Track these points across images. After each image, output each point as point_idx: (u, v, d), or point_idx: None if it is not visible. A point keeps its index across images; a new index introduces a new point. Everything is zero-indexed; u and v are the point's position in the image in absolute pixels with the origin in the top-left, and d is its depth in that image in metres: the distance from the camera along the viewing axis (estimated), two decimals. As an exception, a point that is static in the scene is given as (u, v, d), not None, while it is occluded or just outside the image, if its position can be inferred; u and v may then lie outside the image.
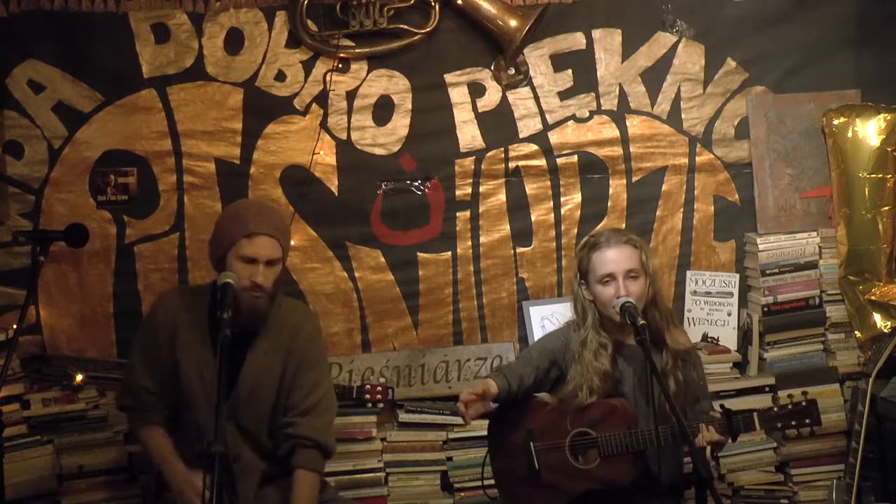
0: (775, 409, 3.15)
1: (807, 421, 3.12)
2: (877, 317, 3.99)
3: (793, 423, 3.13)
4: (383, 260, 4.09)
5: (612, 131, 4.16)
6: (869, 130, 4.00)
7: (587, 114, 4.15)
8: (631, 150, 4.16)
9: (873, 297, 3.99)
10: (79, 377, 3.78)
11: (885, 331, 3.95)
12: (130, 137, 3.94)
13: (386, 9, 3.94)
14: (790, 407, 3.14)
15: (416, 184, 4.10)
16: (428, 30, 4.00)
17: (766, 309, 4.07)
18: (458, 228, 4.13)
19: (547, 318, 4.07)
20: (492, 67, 4.09)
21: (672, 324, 3.22)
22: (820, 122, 4.12)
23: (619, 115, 4.16)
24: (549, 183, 4.16)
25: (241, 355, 3.10)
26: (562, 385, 3.24)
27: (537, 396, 3.34)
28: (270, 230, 3.09)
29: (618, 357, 3.20)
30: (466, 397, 3.09)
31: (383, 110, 4.06)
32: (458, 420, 3.86)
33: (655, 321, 3.14)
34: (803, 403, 3.14)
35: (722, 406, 3.16)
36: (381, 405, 3.87)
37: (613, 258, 3.13)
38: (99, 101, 3.92)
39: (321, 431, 3.13)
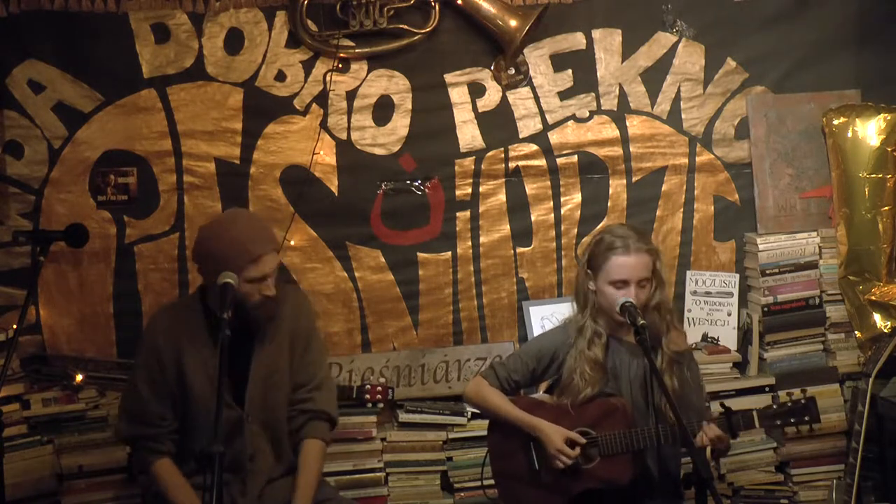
0: (774, 406, 3.16)
1: (806, 418, 3.13)
2: (877, 317, 3.99)
3: (792, 420, 3.13)
4: (383, 260, 4.09)
5: (612, 131, 4.16)
6: (869, 130, 4.00)
7: (587, 114, 4.15)
8: (631, 150, 4.16)
9: (873, 297, 3.99)
10: (79, 377, 3.78)
11: (885, 331, 3.95)
12: (130, 137, 3.95)
13: (386, 9, 3.94)
14: (789, 404, 3.15)
15: (416, 184, 4.10)
16: (428, 30, 4.00)
17: (766, 309, 4.07)
18: (458, 228, 4.13)
19: (547, 318, 4.07)
20: (492, 67, 4.09)
21: (672, 326, 3.23)
22: (820, 122, 4.12)
23: (619, 115, 4.16)
24: (549, 183, 4.16)
25: (249, 348, 3.11)
26: (559, 380, 3.25)
27: (537, 396, 3.35)
28: (271, 247, 3.09)
29: (613, 352, 3.21)
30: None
31: (383, 110, 4.06)
32: (458, 420, 3.89)
33: (655, 324, 3.14)
34: (802, 401, 3.15)
35: (722, 405, 3.16)
36: (381, 405, 3.87)
37: (632, 266, 3.12)
38: (99, 101, 3.92)
39: (333, 404, 3.25)
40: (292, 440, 3.20)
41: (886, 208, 4.00)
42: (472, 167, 4.11)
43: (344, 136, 4.06)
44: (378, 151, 4.07)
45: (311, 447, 3.16)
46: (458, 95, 4.09)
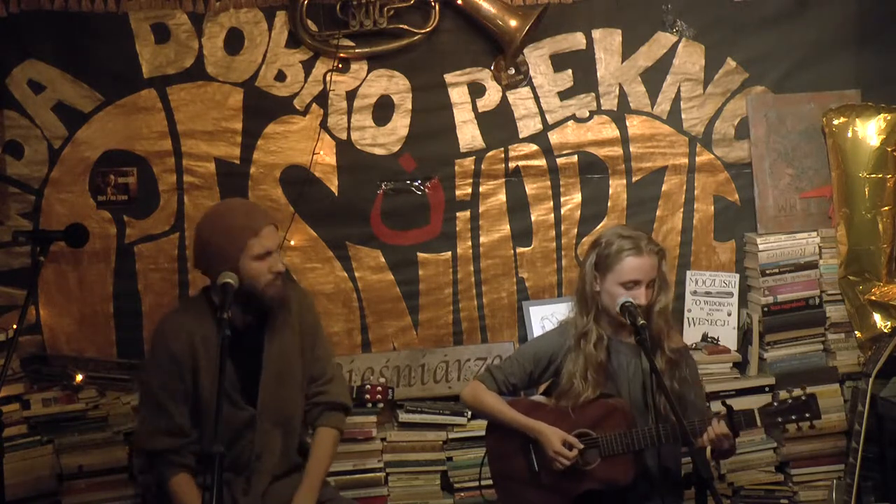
0: (775, 403, 3.16)
1: (806, 415, 3.13)
2: (877, 317, 3.99)
3: (793, 417, 3.13)
4: (383, 260, 4.09)
5: (612, 131, 4.16)
6: (869, 130, 4.00)
7: (587, 114, 4.15)
8: (631, 150, 4.16)
9: (873, 297, 3.99)
10: (79, 377, 3.78)
11: (885, 331, 3.95)
12: (130, 137, 3.95)
13: (386, 9, 3.94)
14: (790, 401, 3.15)
15: (416, 184, 4.10)
16: (428, 30, 4.00)
17: (766, 309, 4.07)
18: (458, 228, 4.13)
19: (547, 318, 4.07)
20: (492, 67, 4.09)
21: (670, 326, 3.24)
22: (820, 122, 4.12)
23: (619, 115, 4.16)
24: (549, 183, 4.16)
25: (259, 347, 3.10)
26: (557, 383, 3.26)
27: (535, 398, 3.35)
28: (268, 220, 3.10)
29: (613, 353, 3.22)
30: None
31: (383, 110, 4.06)
32: (458, 420, 3.89)
33: (658, 328, 3.17)
34: (802, 398, 3.14)
35: (723, 403, 3.16)
36: (381, 405, 3.88)
37: (643, 267, 3.14)
38: (99, 101, 3.92)
39: (346, 395, 3.31)
40: (306, 433, 3.22)
41: (886, 208, 4.00)
42: (472, 167, 4.11)
43: (344, 136, 4.06)
44: (378, 151, 4.07)
45: (325, 434, 3.19)
46: (458, 95, 4.09)
